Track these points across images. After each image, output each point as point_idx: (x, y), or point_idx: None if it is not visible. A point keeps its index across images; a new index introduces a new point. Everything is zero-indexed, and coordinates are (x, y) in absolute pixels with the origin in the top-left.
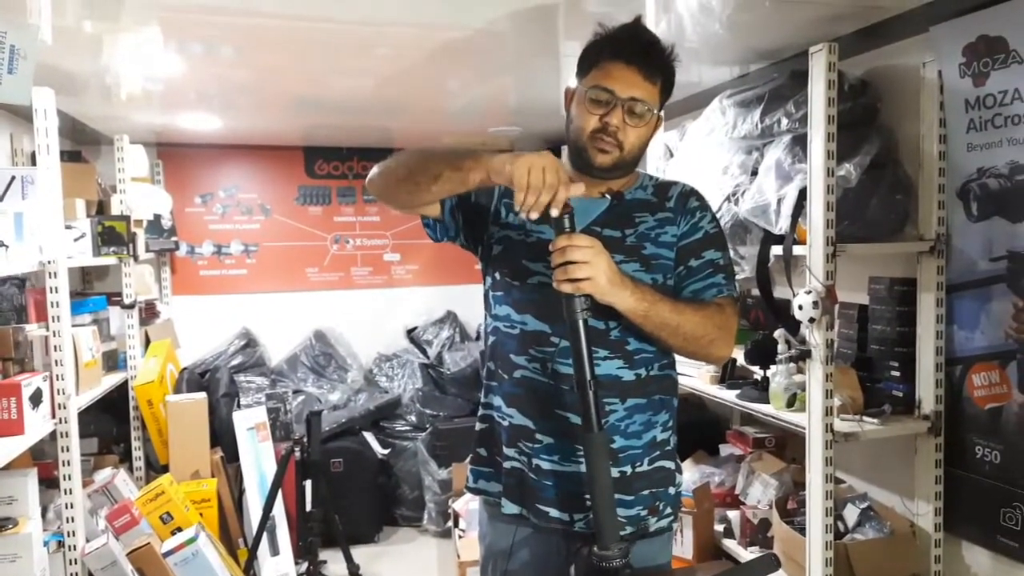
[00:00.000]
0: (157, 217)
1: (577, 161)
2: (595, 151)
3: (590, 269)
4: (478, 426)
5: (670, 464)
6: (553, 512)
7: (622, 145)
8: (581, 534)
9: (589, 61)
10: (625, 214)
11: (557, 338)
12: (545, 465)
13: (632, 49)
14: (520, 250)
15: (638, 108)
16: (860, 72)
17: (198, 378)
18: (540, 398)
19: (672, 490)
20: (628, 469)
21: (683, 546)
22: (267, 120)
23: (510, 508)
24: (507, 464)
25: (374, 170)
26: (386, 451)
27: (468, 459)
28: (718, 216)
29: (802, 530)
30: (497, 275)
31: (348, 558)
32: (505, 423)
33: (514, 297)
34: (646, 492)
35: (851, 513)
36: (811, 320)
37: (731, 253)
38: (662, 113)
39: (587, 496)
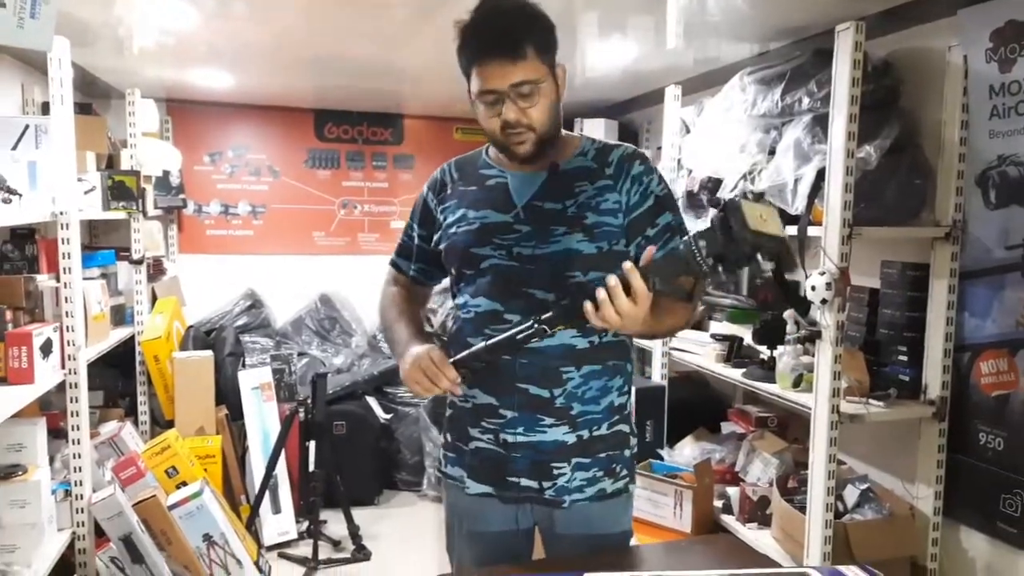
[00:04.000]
0: (166, 174)
1: (505, 153)
2: (513, 145)
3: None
4: (447, 412)
5: (626, 428)
6: (524, 481)
7: (532, 125)
8: (550, 500)
9: (463, 68)
10: (564, 185)
11: (511, 315)
12: (511, 439)
13: (485, 44)
14: (466, 239)
15: (525, 90)
16: (883, 53)
17: (204, 336)
18: (500, 374)
19: (627, 452)
20: (586, 433)
21: (682, 520)
22: (278, 79)
23: (476, 488)
24: (472, 445)
25: (378, 307)
26: (388, 416)
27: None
28: (733, 194)
29: (802, 508)
30: (453, 269)
31: (349, 519)
32: (468, 405)
33: (469, 283)
34: (603, 455)
35: (851, 494)
36: (823, 301)
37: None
38: (561, 64)
39: (554, 464)
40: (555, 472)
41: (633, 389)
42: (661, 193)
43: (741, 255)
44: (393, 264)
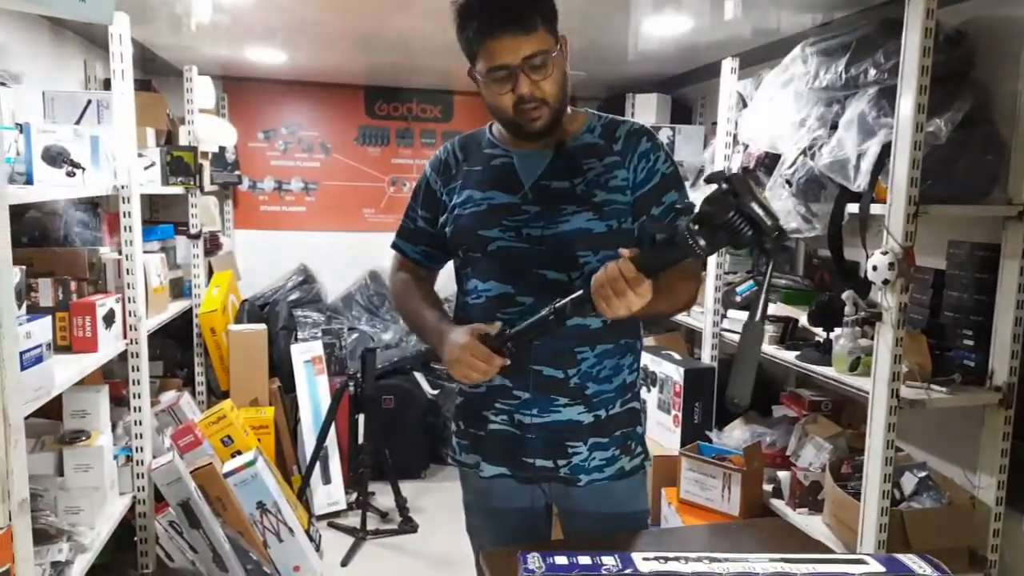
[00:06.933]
0: (222, 150)
1: (516, 133)
2: (526, 121)
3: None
4: (457, 400)
5: (637, 404)
6: (539, 462)
7: (545, 99)
8: (565, 478)
9: (469, 48)
10: (572, 162)
11: (523, 297)
12: (526, 420)
13: (493, 19)
14: (472, 221)
15: (537, 62)
16: (957, 22)
17: (258, 310)
18: (513, 356)
19: (639, 429)
20: (603, 413)
21: (730, 503)
22: (329, 56)
23: (491, 470)
24: (488, 428)
25: (392, 296)
26: (435, 392)
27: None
28: (792, 171)
29: (856, 495)
30: (460, 253)
31: (396, 491)
32: (481, 389)
33: (478, 267)
34: (618, 433)
35: (909, 481)
36: (885, 282)
37: (803, 210)
38: (563, 34)
39: (568, 443)
40: (570, 451)
41: (641, 366)
42: (667, 171)
43: (745, 226)
44: (396, 247)
